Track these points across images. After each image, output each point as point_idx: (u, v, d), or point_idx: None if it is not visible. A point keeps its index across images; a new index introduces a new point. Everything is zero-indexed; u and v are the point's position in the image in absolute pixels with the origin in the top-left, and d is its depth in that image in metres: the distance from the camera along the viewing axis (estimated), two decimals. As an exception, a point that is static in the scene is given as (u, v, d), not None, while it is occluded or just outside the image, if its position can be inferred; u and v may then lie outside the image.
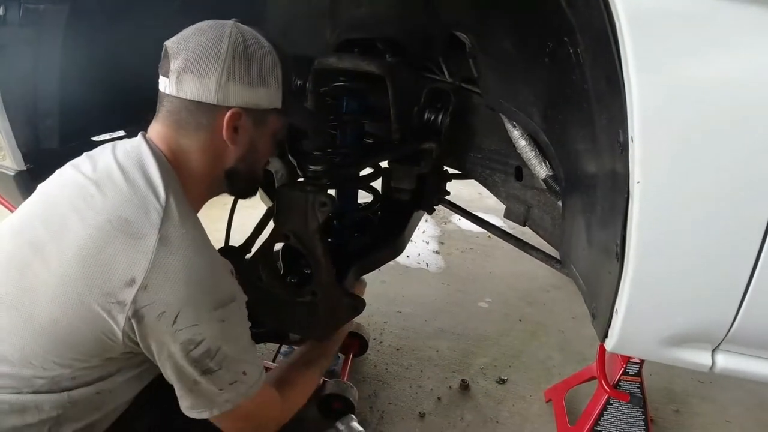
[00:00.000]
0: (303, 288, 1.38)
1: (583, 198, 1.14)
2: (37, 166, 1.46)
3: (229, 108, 1.05)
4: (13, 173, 1.47)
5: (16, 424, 0.99)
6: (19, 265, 1.01)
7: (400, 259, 2.79)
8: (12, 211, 1.60)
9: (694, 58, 0.71)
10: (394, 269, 2.71)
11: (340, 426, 1.55)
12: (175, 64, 1.04)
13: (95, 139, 1.68)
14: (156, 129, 1.10)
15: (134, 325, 0.96)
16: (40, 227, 1.02)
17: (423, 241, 3.00)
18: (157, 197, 1.01)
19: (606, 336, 0.96)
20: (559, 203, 1.34)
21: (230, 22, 1.07)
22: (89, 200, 1.01)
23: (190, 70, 1.03)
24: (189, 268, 0.98)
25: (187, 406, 1.06)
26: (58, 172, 1.13)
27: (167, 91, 1.06)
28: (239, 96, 1.05)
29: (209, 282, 1.01)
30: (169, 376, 1.05)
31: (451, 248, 2.95)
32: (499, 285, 2.64)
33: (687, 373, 2.06)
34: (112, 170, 1.04)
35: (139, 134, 1.11)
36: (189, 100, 1.04)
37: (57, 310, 0.97)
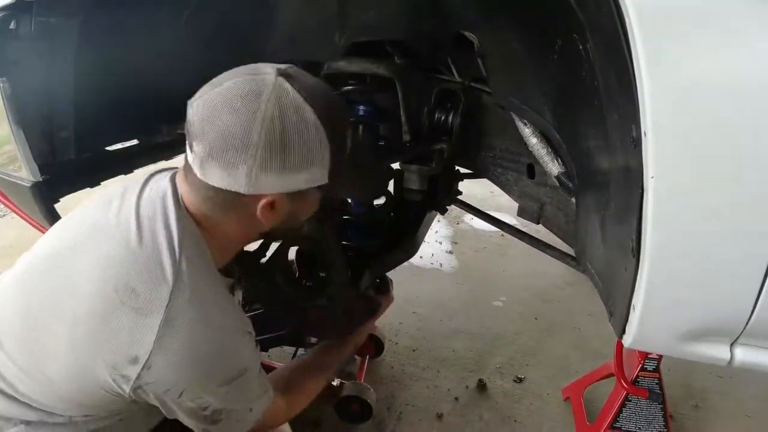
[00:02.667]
0: (319, 291, 1.39)
1: (596, 195, 1.14)
2: (53, 177, 1.48)
3: (262, 196, 0.92)
4: (29, 185, 1.48)
5: None
6: (30, 322, 0.98)
7: (414, 259, 2.77)
8: (27, 221, 1.62)
9: (705, 54, 0.71)
10: (408, 270, 2.71)
11: None
12: (198, 147, 0.89)
13: (110, 149, 1.70)
14: (184, 188, 0.99)
15: (140, 394, 0.94)
16: (53, 278, 0.99)
17: (436, 241, 3.00)
18: (172, 263, 0.93)
19: (624, 332, 0.95)
20: (573, 200, 1.34)
21: (270, 84, 0.87)
22: (102, 258, 0.95)
23: (216, 158, 0.88)
24: (194, 350, 0.93)
25: None
26: (82, 206, 1.07)
27: (192, 167, 0.93)
28: (274, 185, 0.91)
29: (216, 362, 0.96)
30: (181, 419, 1.02)
31: (465, 248, 2.95)
32: (513, 283, 2.63)
33: (705, 368, 2.05)
34: (131, 221, 0.96)
35: (168, 179, 1.00)
36: (215, 187, 0.92)
37: (66, 373, 0.95)
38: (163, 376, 0.92)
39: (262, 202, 0.92)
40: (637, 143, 0.78)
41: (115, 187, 1.06)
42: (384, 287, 1.55)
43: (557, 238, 1.49)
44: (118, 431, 1.07)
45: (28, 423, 1.00)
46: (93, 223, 1.00)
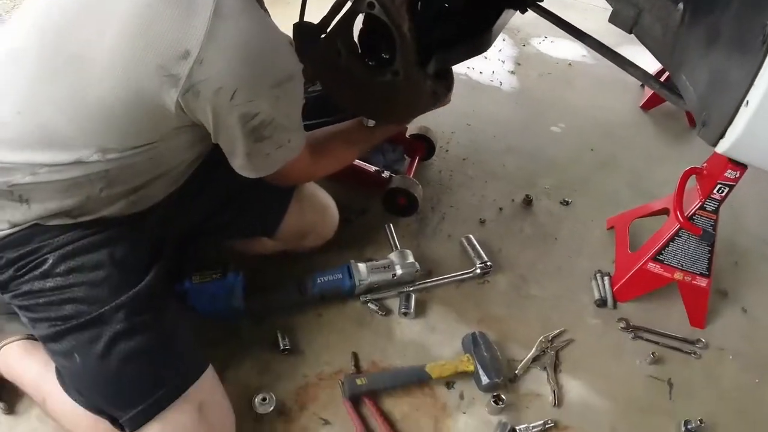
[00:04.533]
0: (384, 68, 1.30)
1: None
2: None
3: None
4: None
5: (65, 178, 1.02)
6: (60, 29, 0.97)
7: (473, 74, 2.65)
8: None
9: None
10: (466, 83, 2.58)
11: (394, 258, 1.57)
12: None
13: None
14: None
15: (189, 99, 0.94)
16: None
17: (499, 59, 2.81)
18: None
19: (721, 137, 0.88)
20: (680, 6, 1.19)
21: None
22: None
23: None
24: (246, 44, 0.95)
25: (238, 166, 1.14)
26: None
27: None
28: None
29: (267, 59, 1.00)
30: (222, 142, 1.08)
31: (528, 70, 2.77)
32: (574, 113, 2.50)
33: (754, 230, 1.99)
34: None
35: None
36: None
37: (107, 86, 0.94)
38: (215, 71, 0.93)
39: None
40: None
41: None
42: (449, 79, 1.45)
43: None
44: (145, 171, 1.09)
45: (53, 165, 1.01)
46: None
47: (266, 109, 1.02)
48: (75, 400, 1.08)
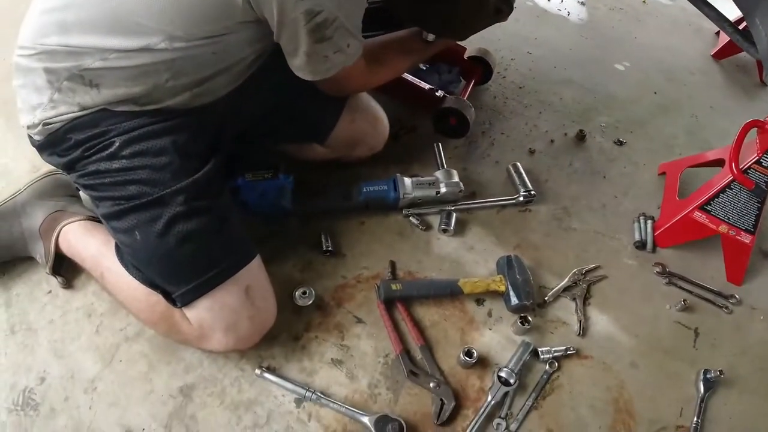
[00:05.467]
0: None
1: None
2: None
3: None
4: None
5: (134, 65, 1.06)
6: None
7: (539, 1, 2.55)
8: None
9: None
10: (532, 10, 2.49)
11: (440, 176, 1.59)
12: None
13: None
14: None
15: None
16: None
17: (569, -11, 2.70)
18: None
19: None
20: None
21: None
22: None
23: None
24: None
25: (296, 66, 1.16)
26: None
27: None
28: None
29: None
30: (284, 41, 1.09)
31: (599, 3, 2.65)
32: (641, 52, 2.40)
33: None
34: None
35: None
36: None
37: None
38: None
39: None
40: None
41: None
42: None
43: None
44: (208, 65, 1.12)
45: (122, 51, 1.04)
46: None
47: (330, 7, 1.02)
48: (132, 275, 1.16)
